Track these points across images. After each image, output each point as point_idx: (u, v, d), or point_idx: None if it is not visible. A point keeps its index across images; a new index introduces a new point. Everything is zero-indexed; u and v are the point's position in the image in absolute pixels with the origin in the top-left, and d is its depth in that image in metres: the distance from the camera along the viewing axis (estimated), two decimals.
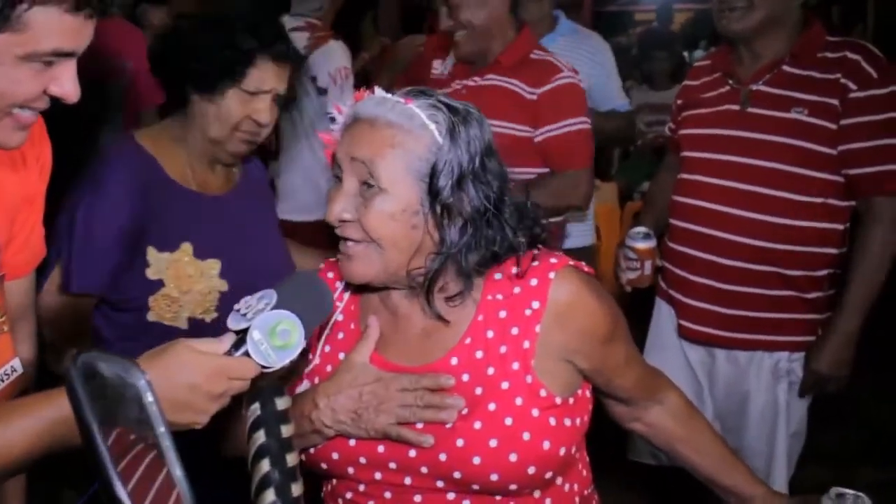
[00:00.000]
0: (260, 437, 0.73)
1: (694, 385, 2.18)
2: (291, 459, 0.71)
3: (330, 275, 1.27)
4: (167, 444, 0.55)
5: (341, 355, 1.22)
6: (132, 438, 0.59)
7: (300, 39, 3.38)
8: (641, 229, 2.13)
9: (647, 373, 1.35)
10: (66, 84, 1.00)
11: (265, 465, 0.70)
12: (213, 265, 1.66)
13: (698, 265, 2.05)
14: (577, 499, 1.25)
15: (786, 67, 1.96)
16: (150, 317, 1.63)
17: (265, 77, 1.63)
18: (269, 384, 0.78)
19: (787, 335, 2.01)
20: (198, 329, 1.62)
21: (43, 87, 0.99)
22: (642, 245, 2.10)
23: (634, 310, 2.63)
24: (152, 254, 1.62)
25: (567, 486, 1.23)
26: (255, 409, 0.75)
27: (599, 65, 2.86)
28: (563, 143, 2.28)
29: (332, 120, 1.19)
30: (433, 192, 1.11)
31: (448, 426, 1.13)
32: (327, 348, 1.25)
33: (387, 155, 1.10)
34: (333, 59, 3.19)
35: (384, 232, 1.12)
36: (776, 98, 1.95)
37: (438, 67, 2.91)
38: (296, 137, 3.24)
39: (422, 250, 1.13)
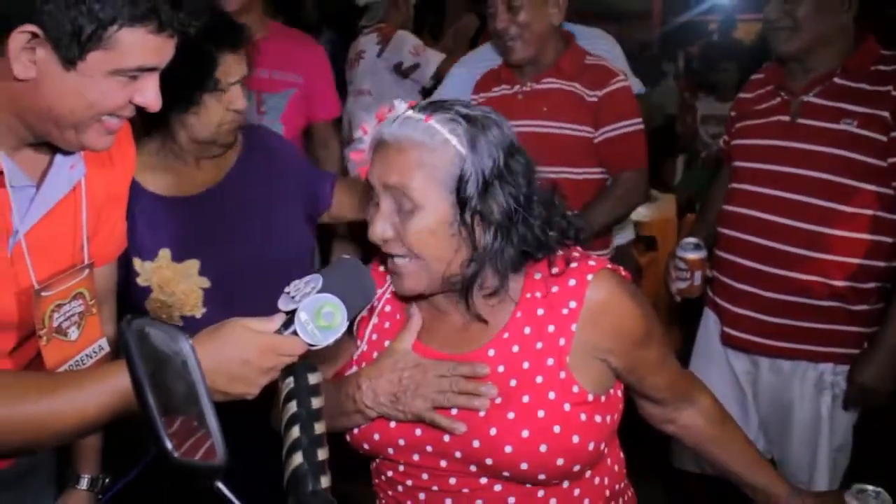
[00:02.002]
0: (292, 407, 0.81)
1: (738, 395, 2.20)
2: (319, 428, 0.80)
3: (381, 268, 1.35)
4: (205, 400, 0.64)
5: (386, 343, 1.30)
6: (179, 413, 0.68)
7: (372, 42, 3.74)
8: (692, 240, 2.15)
9: (680, 375, 1.40)
10: (149, 95, 1.13)
11: (295, 432, 0.79)
12: (192, 265, 1.75)
13: (744, 273, 2.08)
14: (606, 492, 1.31)
15: (837, 80, 1.98)
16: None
17: (230, 70, 1.68)
18: (302, 361, 0.87)
19: (832, 346, 2.02)
20: (191, 326, 1.72)
21: (129, 98, 1.12)
22: (692, 255, 2.13)
23: (683, 320, 2.66)
24: (137, 264, 1.74)
25: (597, 480, 1.29)
26: (290, 382, 0.84)
27: (614, 57, 2.89)
28: (622, 143, 2.37)
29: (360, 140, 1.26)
30: (462, 200, 1.16)
31: (482, 414, 1.20)
32: (374, 336, 1.34)
33: (416, 175, 1.16)
34: (405, 42, 3.61)
35: (425, 246, 1.18)
36: (826, 109, 1.97)
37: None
38: (368, 120, 3.48)
39: (458, 257, 1.20)
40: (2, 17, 1.03)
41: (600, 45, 2.78)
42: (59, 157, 1.23)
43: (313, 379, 0.83)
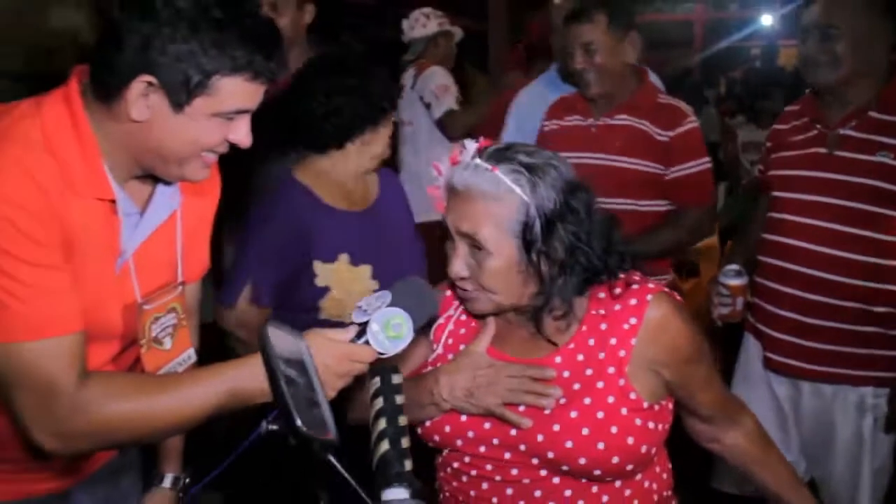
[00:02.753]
0: (379, 402, 0.95)
1: (780, 417, 2.29)
2: (402, 421, 0.93)
3: None
4: (319, 389, 0.79)
5: (461, 347, 1.46)
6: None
7: (410, 76, 4.18)
8: (733, 267, 2.26)
9: (726, 395, 1.54)
10: (242, 133, 1.30)
11: (382, 423, 0.93)
12: (366, 269, 2.04)
13: (785, 300, 2.18)
14: (654, 496, 1.44)
15: (872, 113, 2.08)
16: (322, 315, 2.02)
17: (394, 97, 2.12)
18: (386, 364, 1.01)
19: (872, 370, 2.11)
20: None
21: (224, 136, 1.29)
22: (734, 282, 2.23)
23: (723, 344, 2.75)
24: (318, 266, 2.01)
25: (647, 483, 1.43)
26: (376, 381, 0.99)
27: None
28: (693, 181, 2.53)
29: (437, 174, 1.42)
30: (527, 243, 1.31)
31: (546, 412, 1.35)
32: (450, 341, 1.49)
33: (485, 225, 1.31)
34: (433, 78, 3.99)
35: (497, 284, 1.34)
36: (862, 142, 2.07)
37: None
38: (411, 149, 4.01)
39: (527, 290, 1.36)
40: (125, 69, 1.21)
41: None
42: (160, 188, 1.39)
43: (396, 379, 0.98)
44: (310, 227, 2.00)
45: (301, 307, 2.02)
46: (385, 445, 0.89)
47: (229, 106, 1.25)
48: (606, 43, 2.50)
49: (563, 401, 1.35)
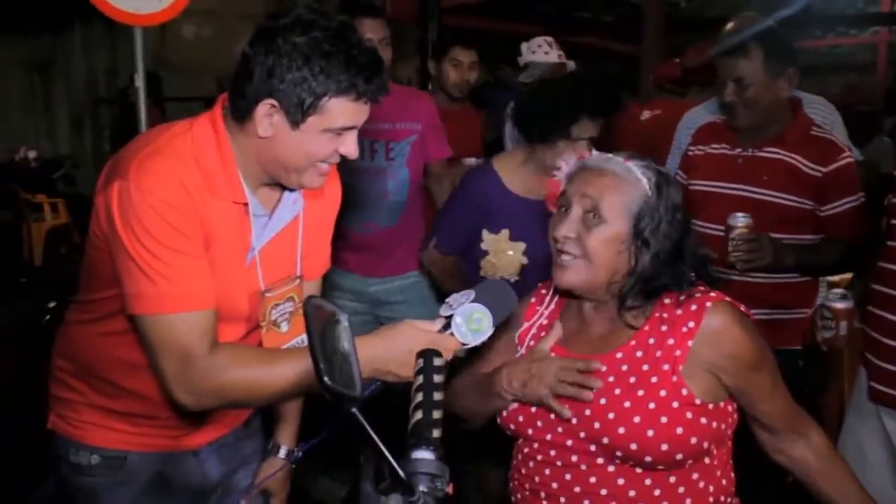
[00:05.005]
0: (420, 379, 1.13)
1: (890, 457, 2.22)
2: (438, 396, 1.10)
3: (543, 291, 1.75)
4: (352, 351, 0.98)
5: None
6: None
7: (511, 108, 4.31)
8: (839, 290, 2.26)
9: (792, 408, 1.62)
10: (349, 146, 1.55)
11: (420, 396, 1.10)
12: (520, 246, 2.57)
13: (889, 327, 2.15)
14: (710, 498, 1.54)
15: None
16: (481, 272, 2.63)
17: (584, 129, 2.43)
18: (431, 349, 1.19)
19: None
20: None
21: (335, 149, 1.54)
22: (839, 305, 2.23)
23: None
24: (485, 234, 2.62)
25: (702, 484, 1.54)
26: (420, 362, 1.17)
27: (831, 124, 3.02)
28: (847, 217, 2.52)
29: (558, 169, 1.66)
30: (638, 228, 1.50)
31: (602, 402, 1.51)
32: (531, 342, 1.70)
33: (610, 195, 1.52)
34: None
35: (598, 252, 1.52)
36: None
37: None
38: None
39: (619, 270, 1.54)
40: (253, 94, 1.49)
41: (818, 113, 2.93)
42: (286, 194, 1.67)
43: (438, 361, 1.17)
44: (489, 204, 2.58)
45: (471, 261, 2.67)
46: (419, 415, 1.07)
47: (337, 123, 1.50)
48: (760, 79, 2.45)
49: (618, 391, 1.52)
